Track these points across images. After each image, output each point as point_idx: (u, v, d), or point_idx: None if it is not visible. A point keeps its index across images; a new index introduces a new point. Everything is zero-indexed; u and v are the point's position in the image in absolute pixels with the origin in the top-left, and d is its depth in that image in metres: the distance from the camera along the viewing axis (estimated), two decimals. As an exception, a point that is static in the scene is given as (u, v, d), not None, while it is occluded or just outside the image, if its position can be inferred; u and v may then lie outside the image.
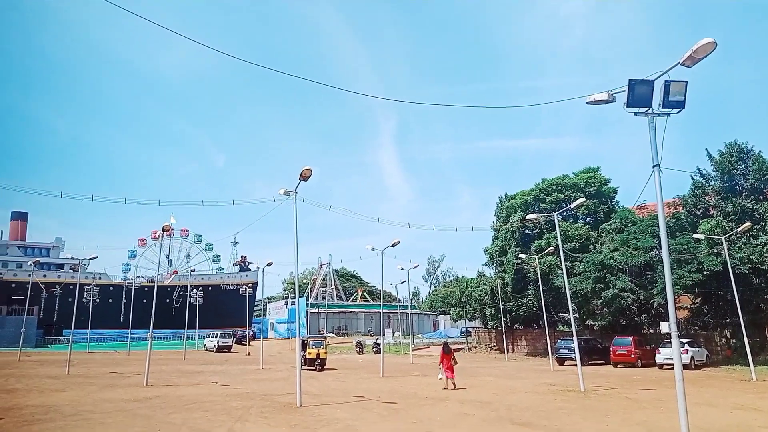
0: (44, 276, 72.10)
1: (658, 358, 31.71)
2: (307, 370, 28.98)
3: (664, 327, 34.81)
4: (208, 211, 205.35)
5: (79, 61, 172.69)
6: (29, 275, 58.60)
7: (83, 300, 45.92)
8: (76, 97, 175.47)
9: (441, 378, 21.65)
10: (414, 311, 74.67)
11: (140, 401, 16.61)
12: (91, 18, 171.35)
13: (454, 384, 20.54)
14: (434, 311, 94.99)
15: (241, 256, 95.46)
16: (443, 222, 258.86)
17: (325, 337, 35.80)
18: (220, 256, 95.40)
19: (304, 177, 17.06)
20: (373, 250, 31.78)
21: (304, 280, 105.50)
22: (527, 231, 49.65)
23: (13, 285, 68.61)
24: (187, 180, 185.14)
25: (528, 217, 29.41)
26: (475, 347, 56.20)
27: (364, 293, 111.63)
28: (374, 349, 49.95)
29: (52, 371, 28.71)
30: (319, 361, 30.57)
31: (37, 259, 42.93)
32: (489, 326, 54.45)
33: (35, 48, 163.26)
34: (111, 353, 51.18)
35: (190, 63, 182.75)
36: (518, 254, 43.65)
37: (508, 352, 47.40)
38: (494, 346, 53.75)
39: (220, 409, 14.95)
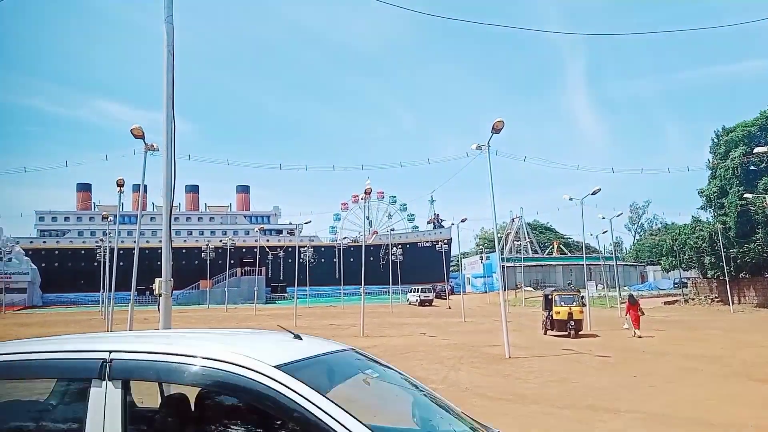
0: (267, 240, 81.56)
1: None
2: (556, 336, 22.41)
3: None
4: (403, 172, 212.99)
5: (280, 41, 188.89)
6: (255, 240, 66.95)
7: (301, 260, 51.25)
8: (281, 76, 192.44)
9: (627, 327, 22.43)
10: (618, 262, 70.21)
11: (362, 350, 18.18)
12: None
13: (637, 333, 21.09)
14: (641, 262, 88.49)
15: (435, 214, 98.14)
16: (645, 164, 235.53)
17: (578, 291, 26.45)
18: (414, 215, 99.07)
19: (496, 129, 16.84)
20: (571, 199, 30.48)
21: (498, 235, 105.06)
22: (752, 167, 43.38)
23: (244, 250, 78.98)
24: (382, 143, 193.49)
25: (756, 150, 25.56)
26: (693, 299, 51.24)
27: (560, 245, 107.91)
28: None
29: (282, 323, 32.60)
30: (573, 323, 21.86)
31: (261, 225, 48.83)
32: (709, 276, 49.14)
33: (245, 35, 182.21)
34: (327, 307, 56.54)
35: (376, 28, 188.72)
36: (742, 194, 38.46)
37: (733, 303, 42.47)
38: (716, 297, 48.48)
39: (432, 358, 15.75)
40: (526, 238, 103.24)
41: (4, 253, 69.28)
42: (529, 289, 72.58)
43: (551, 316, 23.12)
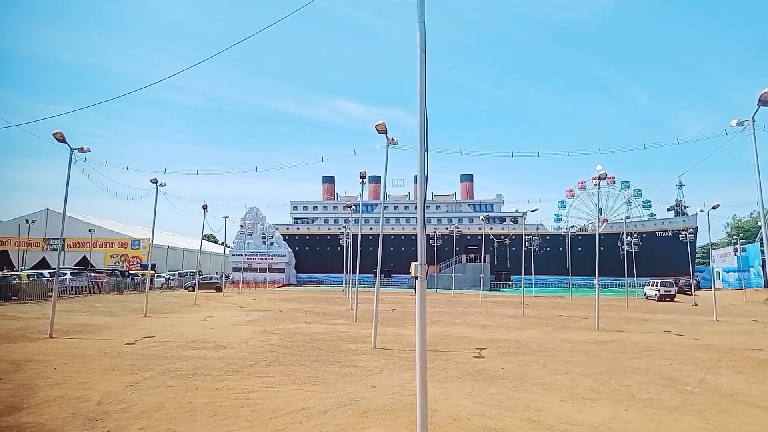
0: (491, 228, 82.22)
1: None
2: None
3: None
4: (636, 156, 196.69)
5: (502, 28, 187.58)
6: (479, 228, 67.93)
7: (526, 248, 50.51)
8: (498, 61, 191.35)
9: None
10: None
11: (597, 344, 17.37)
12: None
13: None
14: None
15: (676, 200, 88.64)
16: None
17: None
18: (650, 201, 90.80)
19: (763, 101, 14.59)
20: None
21: (759, 223, 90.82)
22: None
23: (468, 237, 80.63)
24: (612, 124, 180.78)
25: None
26: None
27: None
28: None
29: (509, 311, 32.66)
30: None
31: (486, 213, 49.22)
32: None
33: (463, 24, 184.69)
34: (554, 297, 54.85)
35: (601, 4, 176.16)
36: None
37: None
38: None
39: (683, 358, 14.37)
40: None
41: (268, 238, 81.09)
42: (800, 286, 61.58)
43: None
